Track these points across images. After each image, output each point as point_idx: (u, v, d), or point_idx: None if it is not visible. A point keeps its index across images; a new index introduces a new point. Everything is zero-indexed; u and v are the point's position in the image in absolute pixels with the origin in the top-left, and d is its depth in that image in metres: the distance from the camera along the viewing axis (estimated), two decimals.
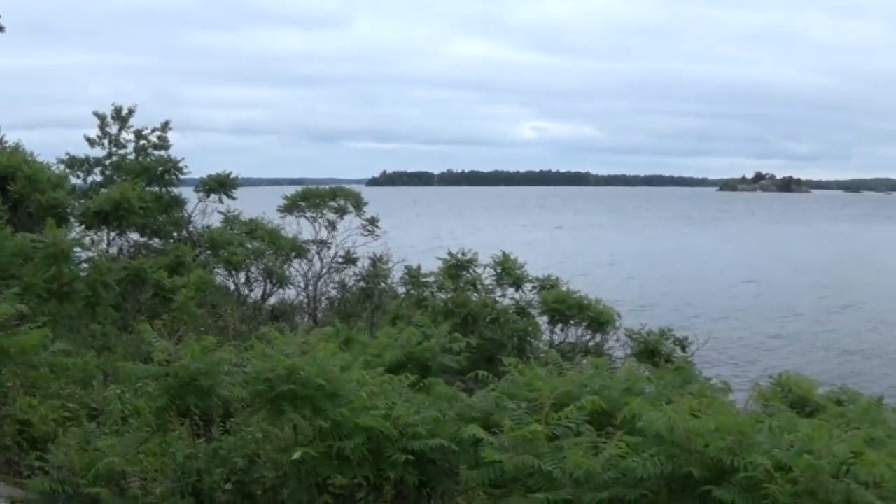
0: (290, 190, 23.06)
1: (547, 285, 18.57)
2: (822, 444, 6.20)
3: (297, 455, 6.45)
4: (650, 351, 16.60)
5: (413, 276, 18.70)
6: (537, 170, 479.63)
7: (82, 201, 20.13)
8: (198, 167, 24.35)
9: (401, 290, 19.48)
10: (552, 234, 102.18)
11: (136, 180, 20.64)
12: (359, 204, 21.97)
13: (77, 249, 13.54)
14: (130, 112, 24.03)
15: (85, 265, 14.19)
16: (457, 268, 18.50)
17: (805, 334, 39.29)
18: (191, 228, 22.03)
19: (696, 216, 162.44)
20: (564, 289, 18.41)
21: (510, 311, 17.60)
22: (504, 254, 18.91)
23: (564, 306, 17.70)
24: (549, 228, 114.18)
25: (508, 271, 18.48)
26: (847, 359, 33.97)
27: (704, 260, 74.49)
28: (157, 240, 21.56)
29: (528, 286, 18.65)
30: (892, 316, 44.04)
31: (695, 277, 60.24)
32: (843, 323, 42.91)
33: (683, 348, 17.31)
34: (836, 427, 7.17)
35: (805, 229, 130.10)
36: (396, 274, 19.95)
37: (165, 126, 23.84)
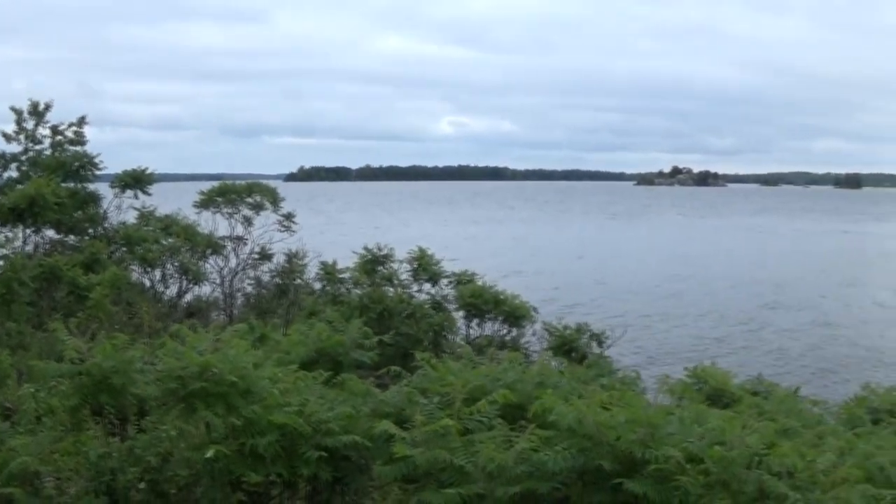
0: (208, 186, 22.80)
1: (463, 280, 18.59)
2: (734, 436, 6.28)
3: (210, 453, 6.38)
4: (566, 346, 16.70)
5: (329, 272, 18.62)
6: (455, 165, 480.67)
7: None
8: (117, 162, 24.12)
9: (317, 286, 19.42)
10: (478, 230, 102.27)
11: (52, 176, 20.32)
12: (275, 200, 21.78)
13: None
14: (47, 107, 23.50)
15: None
16: (373, 263, 18.46)
17: (728, 328, 39.81)
18: (106, 225, 21.70)
19: (620, 211, 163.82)
20: (480, 283, 18.46)
21: (426, 307, 17.60)
22: (420, 249, 18.91)
23: (480, 301, 17.73)
24: (473, 223, 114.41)
25: (425, 267, 18.47)
26: (771, 352, 34.46)
27: (629, 255, 75.06)
28: (72, 237, 21.20)
29: (444, 281, 18.67)
30: (814, 312, 44.80)
31: (620, 272, 60.67)
32: (767, 317, 43.49)
33: (600, 343, 17.40)
34: (750, 418, 7.27)
35: (726, 223, 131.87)
36: (313, 270, 19.87)
37: (81, 121, 23.36)
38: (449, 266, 19.42)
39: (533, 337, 18.06)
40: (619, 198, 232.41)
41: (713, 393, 12.10)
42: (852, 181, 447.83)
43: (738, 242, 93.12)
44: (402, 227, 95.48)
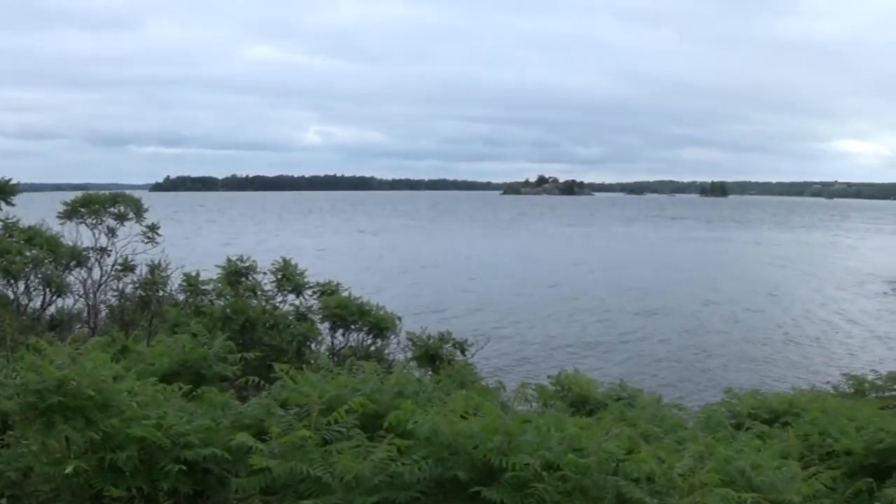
0: (72, 196, 22.41)
1: (328, 291, 18.59)
2: (592, 442, 6.40)
3: (69, 469, 6.27)
4: (430, 355, 16.81)
5: (192, 284, 18.44)
6: (322, 174, 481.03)
7: None
8: None
9: (181, 297, 19.22)
10: (349, 239, 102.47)
11: None
12: (139, 210, 21.48)
13: None
14: None
15: None
16: (236, 274, 18.35)
17: (597, 335, 40.50)
18: None
19: (491, 219, 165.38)
20: (345, 294, 18.49)
21: (290, 317, 17.57)
22: (284, 260, 18.86)
23: (346, 312, 17.77)
24: (345, 233, 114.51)
25: (289, 277, 18.43)
26: (643, 359, 35.13)
27: (502, 263, 75.83)
28: None
29: (309, 292, 18.65)
30: (679, 317, 45.82)
31: (491, 281, 61.27)
32: (636, 323, 44.38)
33: (463, 351, 17.54)
34: (611, 424, 7.42)
35: (599, 231, 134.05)
36: (177, 281, 19.66)
37: None
38: (315, 276, 19.42)
39: (398, 347, 18.15)
40: (490, 207, 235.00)
41: (577, 400, 12.32)
42: (718, 189, 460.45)
43: (611, 250, 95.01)
44: (269, 237, 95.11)
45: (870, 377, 15.34)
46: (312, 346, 17.44)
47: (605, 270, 69.40)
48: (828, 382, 16.72)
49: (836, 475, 8.53)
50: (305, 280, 18.71)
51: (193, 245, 62.40)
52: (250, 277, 18.48)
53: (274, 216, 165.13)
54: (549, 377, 13.75)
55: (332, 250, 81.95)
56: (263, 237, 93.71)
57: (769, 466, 7.42)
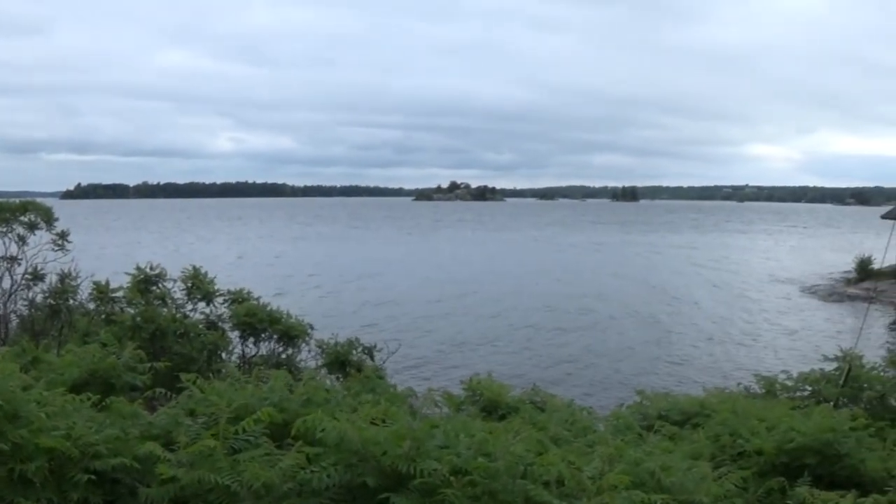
0: None
1: (238, 299, 18.52)
2: (500, 446, 6.49)
3: None
4: (340, 361, 16.85)
5: (101, 292, 18.24)
6: (234, 181, 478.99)
7: None
8: None
9: (92, 306, 19.01)
10: (268, 246, 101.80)
11: None
12: (49, 218, 21.23)
13: None
14: None
15: None
16: (145, 283, 18.19)
17: (511, 340, 40.69)
18: None
19: (410, 226, 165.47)
20: (255, 302, 18.43)
21: (200, 326, 17.48)
22: (194, 268, 18.70)
23: (255, 319, 17.68)
24: (255, 240, 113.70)
25: (198, 285, 18.32)
26: (559, 363, 35.35)
27: (419, 268, 75.83)
28: None
29: (219, 300, 18.56)
30: (601, 322, 46.21)
31: (409, 286, 61.33)
32: (552, 327, 44.66)
33: (372, 357, 17.58)
34: (520, 428, 7.52)
35: (519, 236, 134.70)
36: (87, 290, 19.42)
37: None
38: (232, 284, 19.34)
39: (309, 354, 18.13)
40: (407, 213, 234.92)
41: (489, 404, 12.39)
42: (629, 194, 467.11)
43: (531, 254, 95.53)
44: (182, 244, 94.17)
45: (781, 377, 15.52)
46: (223, 354, 17.36)
47: (527, 276, 69.71)
48: (739, 383, 16.88)
49: (747, 475, 8.69)
50: (216, 288, 18.59)
51: (105, 253, 61.67)
52: (160, 285, 18.34)
53: (198, 223, 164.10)
54: (461, 382, 13.83)
55: (250, 257, 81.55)
56: (181, 244, 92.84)
57: (679, 468, 7.56)
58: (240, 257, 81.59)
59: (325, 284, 59.78)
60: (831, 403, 13.36)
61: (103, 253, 61.10)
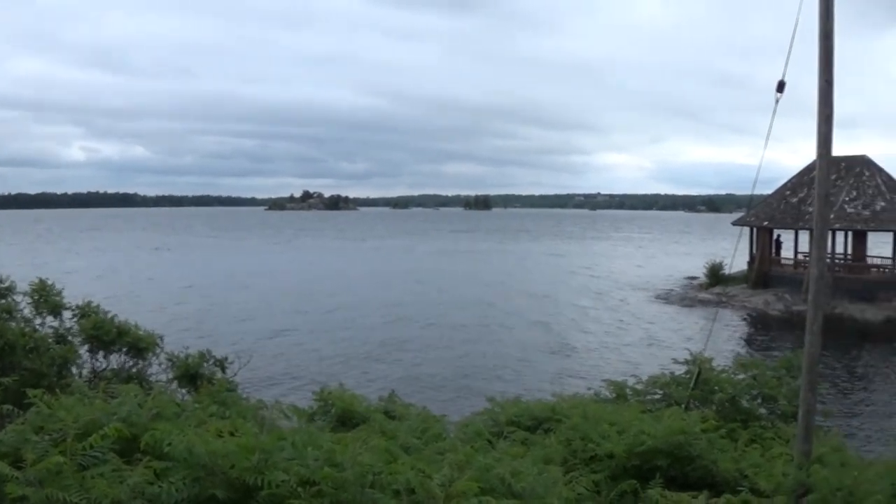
0: None
1: (87, 312, 18.16)
2: (347, 456, 6.53)
3: None
4: (191, 374, 16.64)
5: None
6: (85, 191, 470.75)
7: None
8: None
9: None
10: (124, 258, 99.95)
11: None
12: None
13: None
14: None
15: None
16: None
17: (369, 349, 40.70)
18: None
19: (269, 234, 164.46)
20: (103, 315, 18.07)
21: (49, 340, 17.10)
22: (41, 280, 18.30)
23: (102, 332, 17.34)
24: (119, 252, 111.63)
25: (46, 298, 17.93)
26: (416, 371, 35.44)
27: (275, 278, 75.29)
28: None
29: (68, 314, 18.17)
30: (458, 330, 46.44)
31: (266, 296, 60.81)
32: (412, 335, 44.86)
33: (224, 369, 17.40)
34: (369, 437, 7.56)
35: (372, 244, 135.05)
36: None
37: None
38: (85, 297, 18.93)
39: (160, 368, 17.87)
40: (260, 222, 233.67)
41: (342, 415, 12.40)
42: (482, 203, 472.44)
43: (385, 262, 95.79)
44: (30, 257, 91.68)
45: (630, 382, 15.79)
46: (73, 369, 16.99)
47: (383, 285, 69.57)
48: (590, 388, 17.16)
49: (599, 478, 8.91)
50: (63, 301, 18.19)
51: None
52: (9, 299, 17.91)
53: (56, 235, 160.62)
54: (312, 393, 13.82)
55: (103, 270, 79.88)
56: (18, 257, 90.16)
57: (530, 472, 7.69)
58: (112, 271, 79.93)
59: (191, 300, 58.40)
60: (682, 406, 13.63)
61: None
